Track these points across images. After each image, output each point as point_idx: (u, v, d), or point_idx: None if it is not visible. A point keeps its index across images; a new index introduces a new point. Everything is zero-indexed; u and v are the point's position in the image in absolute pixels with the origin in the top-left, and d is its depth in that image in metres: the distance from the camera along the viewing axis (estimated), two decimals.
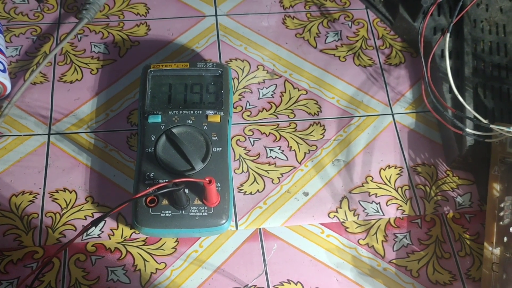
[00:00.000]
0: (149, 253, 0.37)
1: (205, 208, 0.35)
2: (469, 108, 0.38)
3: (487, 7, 0.47)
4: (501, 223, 0.37)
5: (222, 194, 0.36)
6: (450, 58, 0.44)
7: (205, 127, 0.38)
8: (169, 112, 0.39)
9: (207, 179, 0.33)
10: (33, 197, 0.38)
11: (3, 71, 0.41)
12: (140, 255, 0.37)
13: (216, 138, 0.38)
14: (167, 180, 0.36)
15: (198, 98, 0.40)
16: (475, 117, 0.38)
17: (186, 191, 0.35)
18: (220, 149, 0.37)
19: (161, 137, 0.37)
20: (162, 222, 0.35)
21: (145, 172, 0.36)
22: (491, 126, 0.36)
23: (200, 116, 0.39)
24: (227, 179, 0.37)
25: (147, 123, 0.38)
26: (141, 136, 0.38)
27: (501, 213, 0.37)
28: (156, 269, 0.36)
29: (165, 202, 0.35)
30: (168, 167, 0.36)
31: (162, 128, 0.38)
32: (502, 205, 0.37)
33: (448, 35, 0.39)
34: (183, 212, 0.35)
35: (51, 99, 0.42)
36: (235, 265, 0.37)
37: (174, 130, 0.38)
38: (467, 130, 0.38)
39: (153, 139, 0.37)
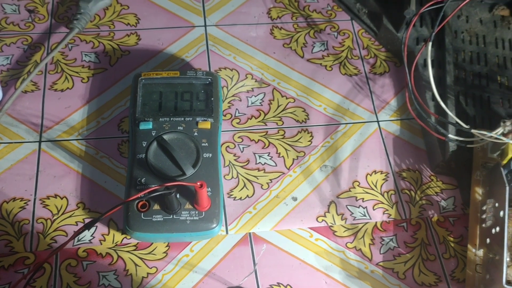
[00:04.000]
0: (140, 258, 0.37)
1: (196, 212, 0.36)
2: (450, 114, 0.40)
3: (468, 18, 0.49)
4: (483, 225, 0.38)
5: (212, 199, 0.36)
6: (432, 67, 0.45)
7: (195, 133, 0.39)
8: (160, 119, 0.39)
9: (198, 183, 0.34)
10: (24, 203, 0.38)
11: None
12: (131, 260, 0.37)
13: (206, 144, 0.39)
14: (158, 185, 0.36)
15: (188, 106, 0.41)
16: (457, 122, 0.39)
17: (177, 195, 0.36)
18: (210, 155, 0.38)
19: (152, 144, 0.38)
20: (154, 226, 0.35)
21: (136, 178, 0.37)
22: (472, 131, 0.37)
23: (191, 123, 0.39)
24: (217, 184, 0.37)
25: (138, 130, 0.39)
26: (133, 143, 0.39)
27: (484, 216, 0.38)
28: (148, 273, 0.37)
29: (156, 206, 0.36)
30: (159, 173, 0.37)
31: (153, 134, 0.39)
32: (484, 208, 0.38)
33: (430, 44, 0.40)
34: (174, 217, 0.36)
35: (42, 107, 0.43)
36: (225, 269, 0.37)
37: (165, 137, 0.38)
38: (450, 136, 0.40)
39: (144, 146, 0.38)
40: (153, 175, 0.37)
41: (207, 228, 0.36)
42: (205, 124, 0.39)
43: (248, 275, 0.37)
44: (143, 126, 0.39)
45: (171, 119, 0.39)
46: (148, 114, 0.40)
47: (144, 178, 0.37)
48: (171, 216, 0.36)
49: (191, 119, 0.39)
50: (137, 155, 0.38)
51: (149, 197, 0.35)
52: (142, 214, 0.36)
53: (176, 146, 0.38)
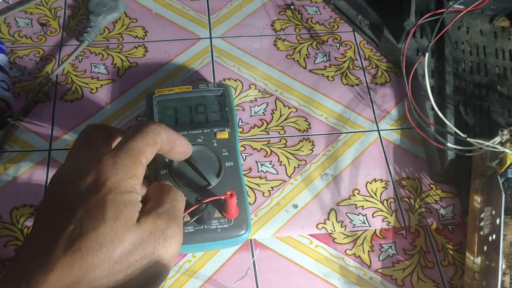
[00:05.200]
0: None
1: (226, 220, 0.37)
2: (448, 123, 0.40)
3: (468, 29, 0.50)
4: (481, 233, 0.38)
5: (239, 206, 0.37)
6: (432, 77, 0.46)
7: (215, 144, 0.40)
8: (179, 133, 0.40)
9: (228, 193, 0.35)
10: (34, 210, 0.40)
11: (7, 90, 0.43)
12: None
13: (226, 153, 0.40)
14: (186, 198, 0.37)
15: (204, 118, 0.42)
16: (455, 131, 0.40)
17: (207, 206, 0.37)
18: (232, 164, 0.39)
19: None
20: (186, 237, 0.36)
21: None
22: (468, 139, 0.38)
23: (209, 134, 0.40)
24: (242, 191, 0.38)
25: None
26: (154, 159, 0.39)
27: (481, 224, 0.38)
28: None
29: (187, 218, 0.37)
30: (184, 185, 0.38)
31: None
32: (482, 215, 0.39)
33: (427, 55, 0.41)
34: (205, 226, 0.37)
35: (52, 117, 0.44)
36: (226, 275, 0.38)
37: None
38: (448, 144, 0.40)
39: (167, 161, 0.39)
40: (179, 188, 0.38)
41: (237, 235, 0.37)
42: (223, 134, 0.40)
43: (240, 279, 0.38)
44: None
45: (189, 132, 0.40)
46: None
47: None
48: (202, 226, 0.37)
49: (208, 130, 0.41)
50: (160, 171, 0.39)
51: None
52: None
53: (198, 158, 0.39)
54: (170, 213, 0.30)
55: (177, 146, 0.33)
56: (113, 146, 0.32)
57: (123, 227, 0.27)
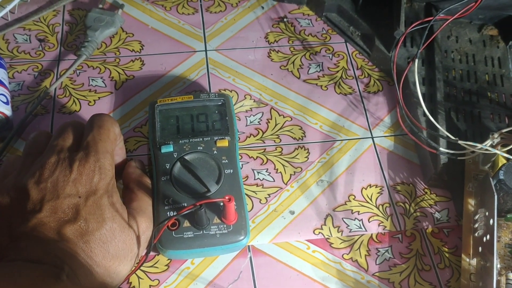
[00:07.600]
0: (143, 271, 0.39)
1: (225, 226, 0.37)
2: (440, 127, 0.41)
3: (457, 39, 0.51)
4: (476, 234, 0.39)
5: (238, 212, 0.38)
6: (423, 85, 0.47)
7: (215, 151, 0.41)
8: (180, 141, 0.41)
9: (226, 197, 0.35)
10: None
11: (6, 103, 0.44)
12: (135, 273, 0.38)
13: (226, 161, 0.40)
14: (186, 204, 0.38)
15: (205, 126, 0.43)
16: (446, 136, 0.41)
17: (206, 211, 0.37)
18: (231, 171, 0.40)
19: (175, 165, 0.40)
20: (186, 243, 0.37)
21: (164, 198, 0.39)
22: (459, 142, 0.39)
23: (209, 142, 0.41)
24: (241, 197, 0.39)
25: (160, 153, 0.41)
26: (156, 166, 0.40)
27: (476, 225, 0.39)
28: (150, 285, 0.38)
29: (186, 224, 0.37)
30: (185, 192, 0.39)
31: (175, 156, 0.40)
32: (476, 217, 0.39)
33: (416, 62, 0.42)
34: (204, 232, 0.37)
35: (51, 129, 0.45)
36: (225, 281, 0.38)
37: (187, 157, 0.40)
38: (441, 149, 0.41)
39: (168, 168, 0.40)
40: (179, 194, 0.39)
41: (236, 240, 0.37)
42: (223, 142, 0.41)
43: (232, 283, 0.38)
44: (165, 149, 0.41)
45: (190, 140, 0.41)
46: (168, 138, 0.42)
47: (171, 198, 0.39)
48: (201, 232, 0.37)
49: (209, 138, 0.41)
50: (161, 177, 0.39)
51: (179, 215, 0.37)
52: (173, 232, 0.37)
53: (199, 165, 0.40)
54: (150, 217, 0.37)
55: (120, 141, 0.40)
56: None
57: (118, 227, 0.34)
